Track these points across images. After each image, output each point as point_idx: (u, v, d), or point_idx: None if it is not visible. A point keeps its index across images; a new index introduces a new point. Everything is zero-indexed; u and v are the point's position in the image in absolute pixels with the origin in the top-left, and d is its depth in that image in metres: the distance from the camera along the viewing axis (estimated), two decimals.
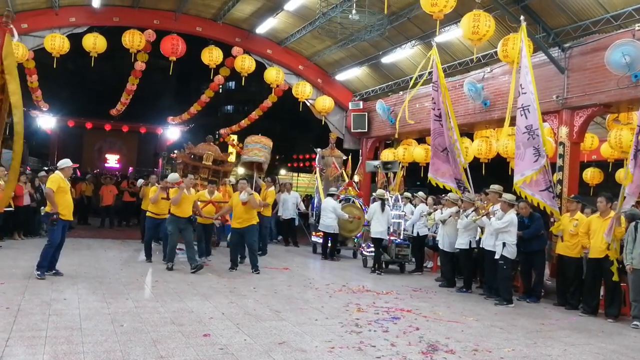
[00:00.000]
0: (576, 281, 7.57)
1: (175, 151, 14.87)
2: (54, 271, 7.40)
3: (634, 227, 6.76)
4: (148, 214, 9.68)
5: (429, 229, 10.35)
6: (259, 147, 10.81)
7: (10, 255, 8.78)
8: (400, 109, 9.89)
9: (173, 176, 9.52)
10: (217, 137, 24.65)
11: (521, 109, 7.90)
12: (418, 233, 10.48)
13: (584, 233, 7.41)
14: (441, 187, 9.44)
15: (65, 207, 7.32)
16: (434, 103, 9.23)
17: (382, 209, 9.95)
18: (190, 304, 6.27)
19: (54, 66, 12.71)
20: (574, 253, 7.60)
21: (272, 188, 11.88)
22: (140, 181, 12.86)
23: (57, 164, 7.65)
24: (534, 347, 5.35)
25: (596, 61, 8.81)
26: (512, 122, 8.46)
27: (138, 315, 5.56)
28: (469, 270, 8.67)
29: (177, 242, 8.75)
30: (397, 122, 10.92)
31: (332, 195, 11.76)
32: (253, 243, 9.04)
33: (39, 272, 7.10)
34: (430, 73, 9.59)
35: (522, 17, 8.10)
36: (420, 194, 11.18)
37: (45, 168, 16.82)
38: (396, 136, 10.73)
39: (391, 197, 11.41)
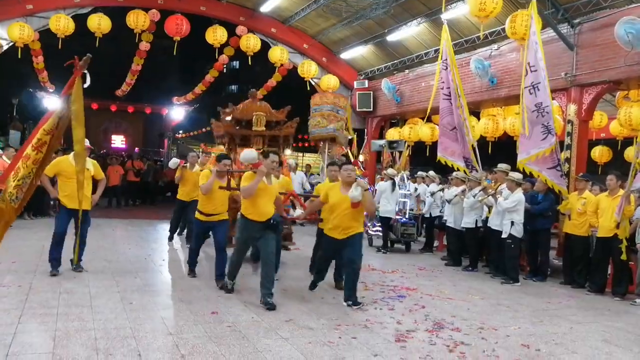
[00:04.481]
0: (583, 260, 7.56)
1: (212, 120, 10.27)
2: (74, 266, 6.48)
3: None
4: (196, 214, 6.52)
5: (440, 210, 10.32)
6: (334, 113, 8.52)
7: (20, 235, 8.86)
8: (434, 88, 9.77)
9: (249, 154, 6.14)
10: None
11: (530, 87, 7.80)
12: (430, 214, 10.47)
13: (592, 212, 7.37)
14: (450, 165, 9.41)
15: (67, 194, 6.21)
16: (443, 82, 9.12)
17: (393, 189, 9.90)
18: (197, 282, 6.34)
19: (59, 47, 12.64)
20: (581, 232, 7.58)
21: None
22: (175, 161, 8.89)
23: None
24: (540, 325, 5.37)
25: (606, 37, 8.65)
26: (519, 101, 8.36)
27: (146, 293, 5.63)
28: (475, 249, 8.68)
29: (243, 257, 6.05)
30: (430, 102, 9.93)
31: None
32: (357, 258, 5.75)
33: (50, 269, 6.24)
34: (437, 51, 9.44)
35: None
36: (432, 173, 11.13)
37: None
38: (424, 118, 10.63)
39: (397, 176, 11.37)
